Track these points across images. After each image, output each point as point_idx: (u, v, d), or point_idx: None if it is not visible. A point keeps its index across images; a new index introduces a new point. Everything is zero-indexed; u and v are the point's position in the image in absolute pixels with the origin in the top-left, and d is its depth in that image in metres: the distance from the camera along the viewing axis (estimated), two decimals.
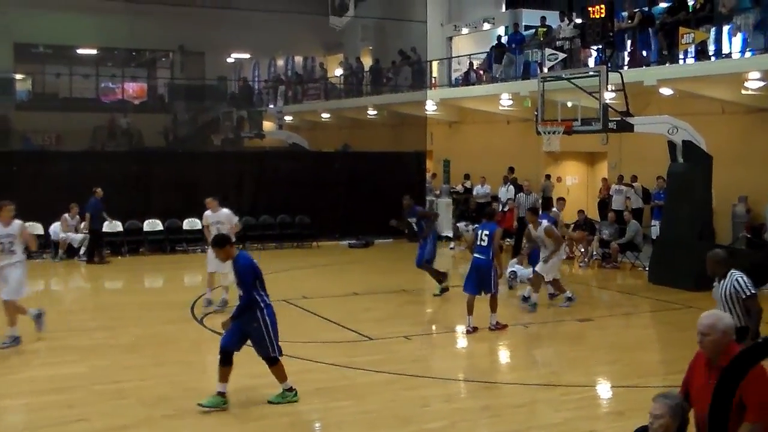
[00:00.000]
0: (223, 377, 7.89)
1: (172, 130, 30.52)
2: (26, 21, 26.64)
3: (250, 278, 7.83)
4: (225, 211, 12.93)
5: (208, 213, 12.97)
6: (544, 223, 12.89)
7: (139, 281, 16.83)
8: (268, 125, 30.84)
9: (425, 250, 14.10)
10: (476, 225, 14.04)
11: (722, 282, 7.29)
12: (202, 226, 13.50)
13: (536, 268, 12.93)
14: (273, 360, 8.01)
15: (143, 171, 19.71)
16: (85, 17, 27.94)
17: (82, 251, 18.10)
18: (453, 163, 26.77)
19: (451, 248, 20.93)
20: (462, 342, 11.39)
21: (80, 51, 30.57)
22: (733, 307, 7.12)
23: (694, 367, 5.06)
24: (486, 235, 11.28)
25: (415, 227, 14.43)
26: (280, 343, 8.00)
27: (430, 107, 25.34)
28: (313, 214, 20.98)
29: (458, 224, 21.37)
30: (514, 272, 15.01)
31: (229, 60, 32.97)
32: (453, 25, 28.10)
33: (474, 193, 23.30)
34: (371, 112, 27.96)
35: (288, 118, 31.27)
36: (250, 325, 7.83)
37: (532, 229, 13.05)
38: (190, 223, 19.81)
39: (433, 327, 12.76)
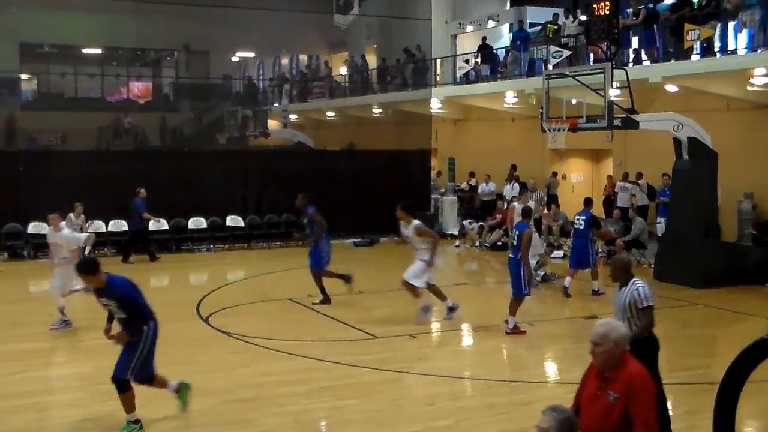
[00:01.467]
0: (130, 406, 7.29)
1: (177, 129, 30.61)
2: (31, 21, 26.72)
3: (137, 294, 7.25)
4: (65, 232, 11.73)
5: (50, 231, 11.87)
6: (415, 222, 11.74)
7: (144, 280, 16.79)
8: (273, 124, 30.90)
9: (321, 256, 13.35)
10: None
11: (623, 289, 6.99)
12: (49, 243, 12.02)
13: (405, 276, 11.77)
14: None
15: (148, 170, 19.69)
16: (90, 17, 28.02)
17: (87, 251, 18.12)
18: (458, 161, 26.78)
19: (456, 246, 20.89)
20: (467, 340, 11.40)
21: (85, 50, 30.65)
22: (631, 316, 6.86)
23: (587, 378, 4.90)
24: (517, 234, 11.26)
25: (307, 228, 13.79)
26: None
27: (435, 105, 25.33)
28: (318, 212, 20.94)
29: (463, 222, 21.35)
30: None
31: (234, 59, 33.05)
32: (458, 22, 28.07)
33: (479, 190, 23.29)
34: (376, 110, 27.96)
35: (293, 117, 31.30)
36: (132, 340, 7.24)
37: (402, 226, 11.94)
38: (195, 222, 19.94)
39: (438, 325, 12.75)
